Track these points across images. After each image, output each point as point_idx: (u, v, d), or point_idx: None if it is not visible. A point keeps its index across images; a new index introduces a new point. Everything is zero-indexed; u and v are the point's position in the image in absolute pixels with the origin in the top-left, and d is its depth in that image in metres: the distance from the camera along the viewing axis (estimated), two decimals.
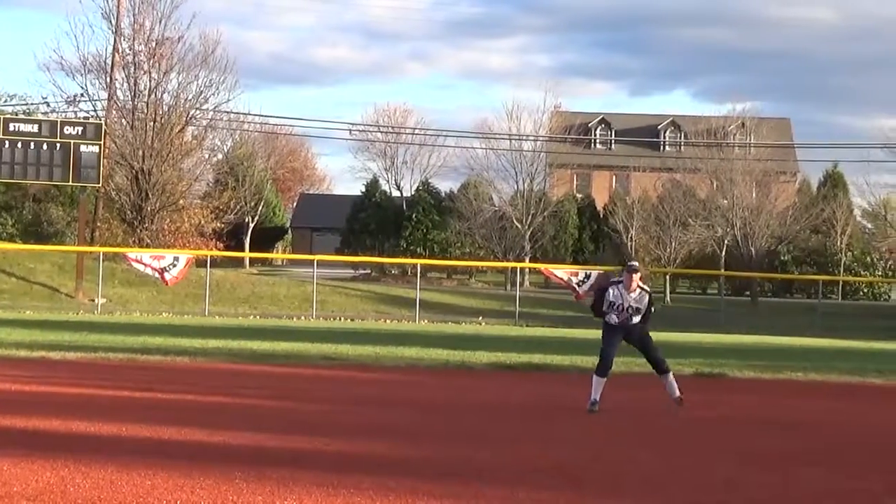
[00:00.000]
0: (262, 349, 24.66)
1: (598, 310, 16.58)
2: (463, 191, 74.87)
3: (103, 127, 51.88)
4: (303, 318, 44.90)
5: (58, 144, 47.93)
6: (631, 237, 68.65)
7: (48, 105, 64.16)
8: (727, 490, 10.45)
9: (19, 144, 47.51)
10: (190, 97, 60.60)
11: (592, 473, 11.08)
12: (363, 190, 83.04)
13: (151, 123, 58.49)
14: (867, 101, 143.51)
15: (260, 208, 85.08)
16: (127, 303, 47.92)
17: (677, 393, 16.76)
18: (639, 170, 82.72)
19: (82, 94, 60.46)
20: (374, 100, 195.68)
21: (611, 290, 16.34)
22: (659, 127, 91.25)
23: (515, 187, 73.37)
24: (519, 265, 62.95)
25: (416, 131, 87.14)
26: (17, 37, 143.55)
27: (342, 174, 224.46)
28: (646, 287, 16.53)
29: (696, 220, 67.38)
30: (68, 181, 49.65)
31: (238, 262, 70.64)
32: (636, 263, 16.84)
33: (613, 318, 16.36)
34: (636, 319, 16.37)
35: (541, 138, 77.42)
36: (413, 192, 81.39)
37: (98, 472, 9.84)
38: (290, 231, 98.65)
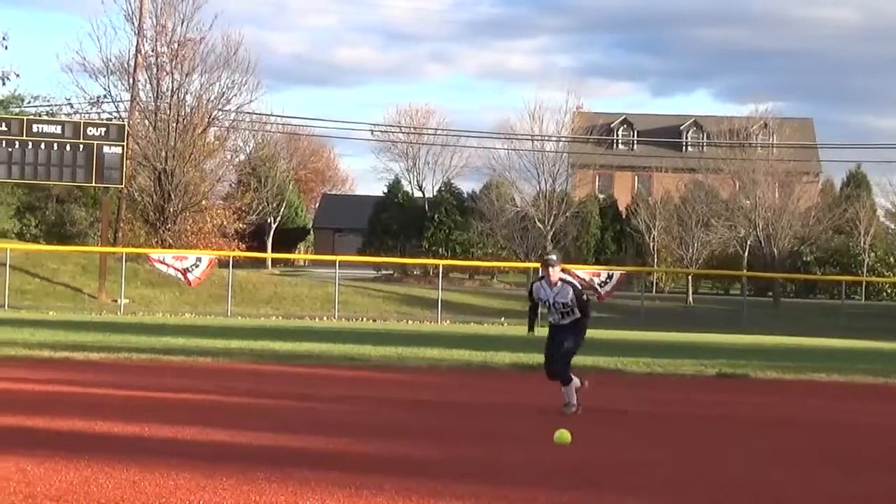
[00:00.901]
0: (284, 350, 24.69)
1: (530, 308, 15.83)
2: (485, 191, 74.87)
3: (126, 128, 52.06)
4: (325, 318, 44.94)
5: (81, 145, 48.11)
6: (653, 238, 68.58)
7: (71, 106, 64.47)
8: (748, 491, 10.43)
9: (42, 146, 47.71)
10: (212, 98, 60.85)
11: (613, 474, 11.07)
12: (385, 190, 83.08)
13: (174, 124, 58.65)
14: (890, 101, 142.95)
15: (282, 209, 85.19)
16: (150, 303, 48.06)
17: (571, 401, 15.43)
18: (661, 170, 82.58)
19: (105, 96, 60.75)
20: (396, 100, 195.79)
21: (535, 286, 15.50)
22: (681, 127, 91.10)
23: (537, 188, 73.38)
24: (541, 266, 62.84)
25: (438, 132, 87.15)
26: (40, 38, 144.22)
27: (364, 175, 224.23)
28: (569, 279, 15.47)
29: (719, 221, 67.26)
30: (91, 182, 49.83)
31: (260, 263, 70.75)
32: (552, 255, 15.65)
33: (550, 317, 15.54)
34: (567, 320, 15.28)
35: (563, 139, 77.38)
36: (435, 193, 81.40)
37: (121, 473, 9.87)
38: (312, 232, 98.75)
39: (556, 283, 15.12)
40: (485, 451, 12.11)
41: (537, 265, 61.76)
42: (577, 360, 24.54)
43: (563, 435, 12.66)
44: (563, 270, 15.45)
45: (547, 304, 15.27)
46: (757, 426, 15.37)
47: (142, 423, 12.92)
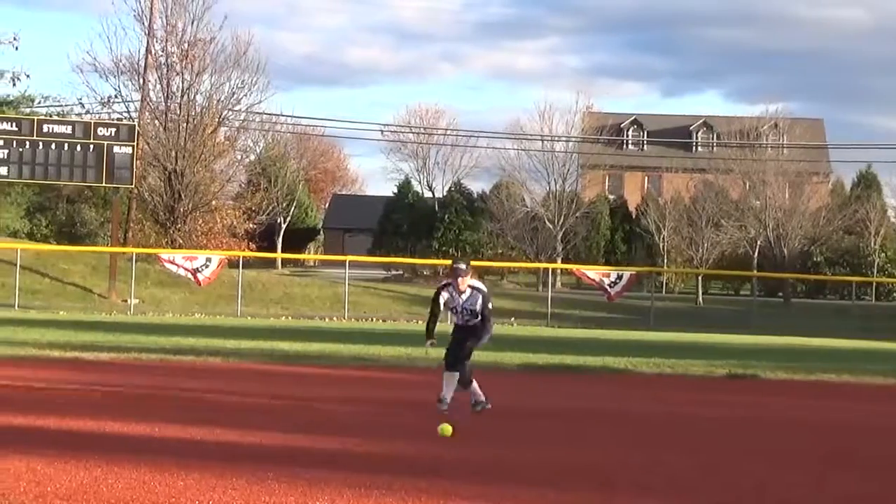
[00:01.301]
0: (294, 350, 24.72)
1: (432, 310, 15.56)
2: (495, 192, 74.91)
3: (136, 128, 52.14)
4: (335, 318, 44.97)
5: (91, 146, 48.18)
6: (663, 238, 68.58)
7: (82, 106, 64.56)
8: (758, 491, 10.42)
9: (53, 146, 47.79)
10: (222, 98, 60.93)
11: (623, 475, 11.07)
12: (395, 191, 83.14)
13: (184, 125, 58.72)
14: None
15: (292, 209, 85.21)
16: (159, 303, 48.11)
17: (479, 399, 15.47)
18: (671, 170, 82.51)
19: (116, 96, 60.81)
20: (406, 100, 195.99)
21: (443, 293, 15.37)
22: (691, 128, 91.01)
23: (547, 188, 73.43)
24: (551, 266, 62.94)
25: (448, 132, 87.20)
26: (50, 39, 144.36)
27: (374, 175, 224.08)
28: (479, 286, 15.45)
29: (729, 221, 67.24)
30: (101, 182, 49.90)
31: (270, 263, 70.78)
32: (461, 264, 15.43)
33: (455, 319, 15.57)
34: (472, 322, 15.30)
35: (573, 139, 77.41)
36: (445, 193, 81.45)
37: (131, 473, 9.88)
38: (322, 232, 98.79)
39: (464, 290, 15.15)
40: (495, 451, 12.11)
41: (548, 265, 62.35)
42: (579, 361, 24.57)
43: (445, 428, 12.78)
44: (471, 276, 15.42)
45: (455, 309, 15.37)
46: (767, 427, 15.35)
47: (152, 423, 12.93)
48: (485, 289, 15.46)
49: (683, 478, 11.06)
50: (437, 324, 15.56)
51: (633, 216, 77.39)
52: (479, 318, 15.27)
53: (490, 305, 15.43)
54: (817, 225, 68.47)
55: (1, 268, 48.54)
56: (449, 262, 57.99)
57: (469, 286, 15.19)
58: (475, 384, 15.40)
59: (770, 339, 39.32)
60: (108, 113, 62.14)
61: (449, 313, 16.10)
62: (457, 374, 15.23)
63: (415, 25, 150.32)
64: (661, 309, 53.41)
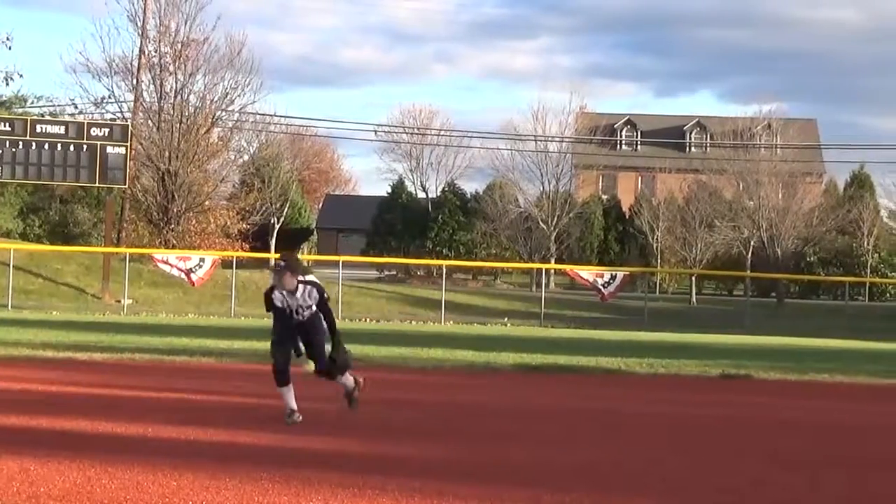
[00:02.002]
0: None
1: (269, 311, 14.03)
2: (488, 192, 74.98)
3: (130, 128, 52.07)
4: None
5: (84, 146, 48.14)
6: (657, 238, 68.65)
7: (75, 107, 64.47)
8: (752, 492, 10.42)
9: (46, 146, 47.76)
10: (216, 99, 60.85)
11: (617, 475, 11.07)
12: (389, 191, 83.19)
13: (177, 125, 58.67)
14: (894, 102, 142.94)
15: (286, 209, 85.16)
16: (153, 304, 48.07)
17: (350, 385, 14.50)
18: (664, 171, 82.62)
19: (109, 96, 60.75)
20: (400, 101, 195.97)
21: (275, 296, 13.75)
22: (685, 128, 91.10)
23: (541, 188, 73.51)
24: (544, 266, 62.94)
25: (442, 132, 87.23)
26: (43, 39, 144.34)
27: (368, 175, 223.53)
28: (310, 279, 13.87)
29: (722, 222, 67.31)
30: (95, 182, 49.88)
31: (264, 263, 70.62)
32: (281, 262, 13.87)
33: (294, 318, 13.92)
34: (308, 317, 13.82)
35: (566, 139, 77.50)
36: (439, 194, 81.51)
37: (124, 473, 9.88)
38: (315, 232, 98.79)
39: (295, 288, 13.66)
40: (488, 451, 12.11)
41: (541, 266, 62.38)
42: (573, 361, 24.57)
43: None
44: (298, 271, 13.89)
45: (289, 310, 13.76)
46: (760, 427, 15.35)
47: (145, 424, 12.92)
48: (317, 280, 13.98)
49: (677, 478, 11.07)
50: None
51: (627, 216, 77.45)
52: (314, 309, 13.79)
53: (327, 296, 13.96)
54: (810, 225, 68.53)
55: None
56: (442, 262, 58.17)
57: (299, 282, 13.63)
58: (347, 378, 14.31)
59: (763, 340, 39.33)
60: (102, 113, 62.15)
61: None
62: (290, 388, 13.77)
63: (408, 26, 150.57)
64: (654, 309, 53.44)
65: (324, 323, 13.87)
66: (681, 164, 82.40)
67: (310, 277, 13.86)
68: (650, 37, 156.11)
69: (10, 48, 55.18)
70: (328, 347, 14.04)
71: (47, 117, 59.36)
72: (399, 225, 78.63)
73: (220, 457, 11.00)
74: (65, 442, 11.59)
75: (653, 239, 68.96)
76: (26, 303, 45.25)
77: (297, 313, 13.71)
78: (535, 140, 75.04)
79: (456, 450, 12.14)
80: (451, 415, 15.57)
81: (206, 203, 61.59)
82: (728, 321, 51.75)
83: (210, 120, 61.01)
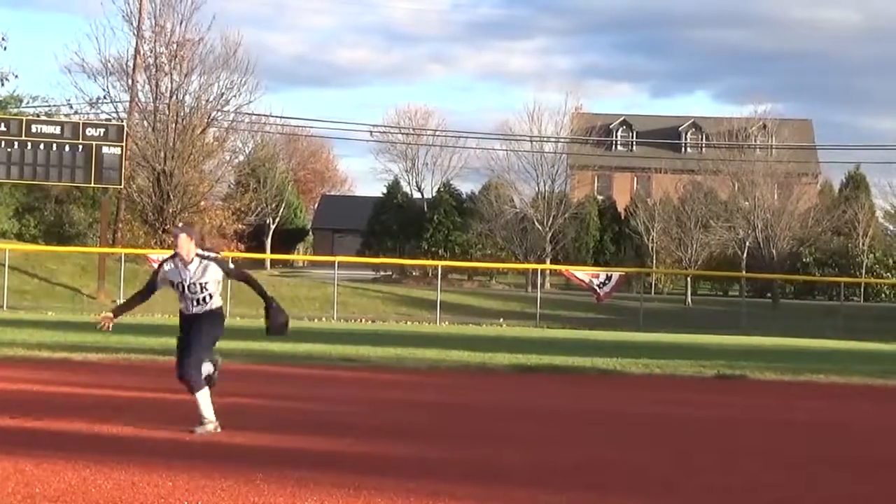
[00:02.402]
0: (282, 350, 24.66)
1: (146, 287, 12.72)
2: (484, 192, 74.96)
3: (125, 128, 52.05)
4: (324, 319, 44.92)
5: (80, 146, 48.13)
6: (652, 239, 68.63)
7: (71, 107, 64.47)
8: (747, 492, 10.43)
9: (41, 146, 47.74)
10: (211, 99, 60.82)
11: (612, 475, 11.07)
12: (384, 191, 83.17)
13: (173, 125, 58.63)
14: (890, 102, 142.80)
15: (281, 210, 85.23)
16: (148, 304, 47.79)
17: (206, 417, 12.44)
18: (660, 171, 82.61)
19: (104, 96, 60.72)
20: (395, 101, 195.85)
21: (166, 265, 12.35)
22: (680, 128, 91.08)
23: (536, 189, 73.47)
24: (540, 267, 63.00)
25: (437, 133, 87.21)
26: (38, 39, 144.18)
27: (363, 176, 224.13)
28: (212, 255, 12.47)
29: (718, 222, 67.32)
30: (90, 183, 49.85)
31: (259, 264, 70.75)
32: (185, 225, 11.76)
33: (182, 307, 12.56)
34: (203, 308, 12.45)
35: (562, 140, 77.44)
36: (434, 194, 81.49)
37: (119, 473, 9.87)
38: (311, 233, 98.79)
39: (192, 260, 12.20)
40: (484, 451, 12.10)
41: (536, 266, 62.47)
42: (568, 361, 24.58)
43: None
44: (205, 247, 12.67)
45: (180, 288, 12.29)
46: (756, 427, 15.37)
47: (140, 424, 12.92)
48: (220, 256, 12.61)
49: (673, 478, 11.07)
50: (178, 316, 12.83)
51: (622, 217, 77.48)
52: (216, 302, 12.49)
53: (232, 266, 12.75)
54: (806, 226, 68.55)
55: None
56: (438, 262, 58.15)
57: (197, 255, 12.22)
58: (205, 393, 12.52)
59: (759, 340, 39.37)
60: (97, 113, 62.08)
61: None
62: (205, 390, 12.44)
63: (404, 26, 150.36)
64: (649, 310, 53.45)
65: (213, 327, 12.54)
66: (676, 165, 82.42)
67: (211, 254, 12.45)
68: (646, 37, 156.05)
69: (5, 48, 55.36)
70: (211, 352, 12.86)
71: (43, 117, 59.22)
72: (395, 225, 78.62)
73: (216, 457, 10.99)
74: (60, 442, 11.59)
75: (648, 239, 68.95)
76: (22, 303, 45.24)
77: (187, 296, 12.30)
78: (531, 140, 75.04)
79: (451, 450, 12.14)
80: (446, 415, 15.57)
81: (202, 203, 61.58)
82: (723, 322, 51.77)
83: (205, 120, 60.98)
